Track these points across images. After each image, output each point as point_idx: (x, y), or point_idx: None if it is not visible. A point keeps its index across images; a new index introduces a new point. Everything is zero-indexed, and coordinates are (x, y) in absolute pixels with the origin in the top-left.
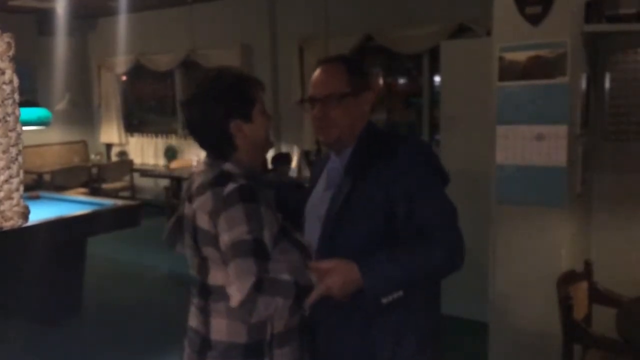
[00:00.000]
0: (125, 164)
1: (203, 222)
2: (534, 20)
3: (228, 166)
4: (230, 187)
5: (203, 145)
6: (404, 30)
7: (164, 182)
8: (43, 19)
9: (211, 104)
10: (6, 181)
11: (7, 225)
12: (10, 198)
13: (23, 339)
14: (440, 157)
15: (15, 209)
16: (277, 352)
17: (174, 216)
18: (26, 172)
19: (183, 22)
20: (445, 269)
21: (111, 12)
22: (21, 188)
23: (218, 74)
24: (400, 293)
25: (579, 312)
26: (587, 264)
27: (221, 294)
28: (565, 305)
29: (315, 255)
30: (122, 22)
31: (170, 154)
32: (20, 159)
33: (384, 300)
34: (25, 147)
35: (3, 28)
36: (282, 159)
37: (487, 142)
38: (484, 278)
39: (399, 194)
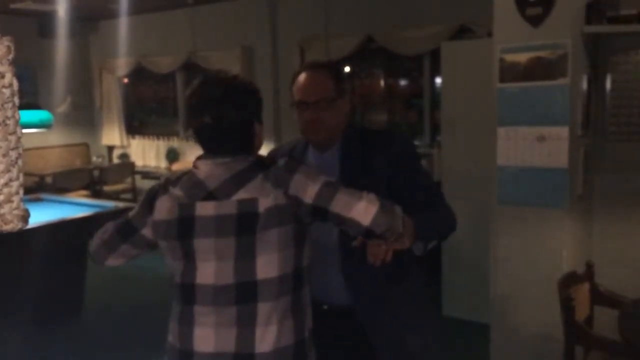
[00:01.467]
0: (126, 166)
1: (269, 203)
2: (535, 21)
3: (254, 157)
4: (282, 160)
5: (226, 145)
6: (404, 31)
7: None
8: (44, 21)
9: (244, 105)
10: (6, 184)
11: (7, 228)
12: (10, 201)
13: (24, 340)
14: (442, 158)
15: (15, 212)
16: (311, 352)
17: (107, 229)
18: (28, 174)
19: (184, 24)
20: (453, 227)
21: (112, 14)
22: (21, 191)
23: (236, 77)
24: (435, 242)
25: (581, 314)
26: (589, 265)
27: (273, 287)
28: (567, 307)
29: (339, 239)
30: (123, 25)
31: (172, 155)
32: (20, 162)
33: (429, 246)
34: (26, 149)
35: (4, 31)
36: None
37: (488, 144)
38: (485, 279)
39: (399, 176)
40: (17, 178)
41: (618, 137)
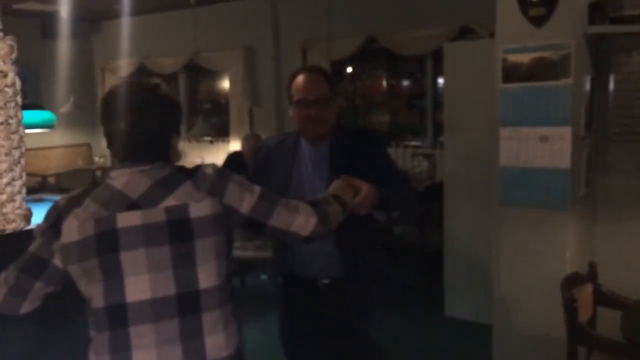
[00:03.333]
0: None
1: (202, 210)
2: (538, 21)
3: (174, 164)
4: (209, 168)
5: (139, 153)
6: (406, 32)
7: None
8: (47, 22)
9: (163, 115)
10: (9, 184)
11: (10, 227)
12: (13, 200)
13: (26, 341)
14: (444, 159)
15: (18, 211)
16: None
17: (8, 274)
18: (30, 174)
19: (186, 25)
20: (414, 208)
21: (115, 15)
22: (24, 191)
23: (159, 85)
24: (397, 213)
25: (584, 315)
26: (592, 266)
27: (216, 295)
28: (570, 308)
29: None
30: (126, 25)
31: None
32: (22, 161)
33: (393, 215)
34: (29, 149)
35: (7, 32)
36: None
37: (490, 144)
38: (487, 280)
39: (378, 162)
40: (20, 177)
41: (621, 137)
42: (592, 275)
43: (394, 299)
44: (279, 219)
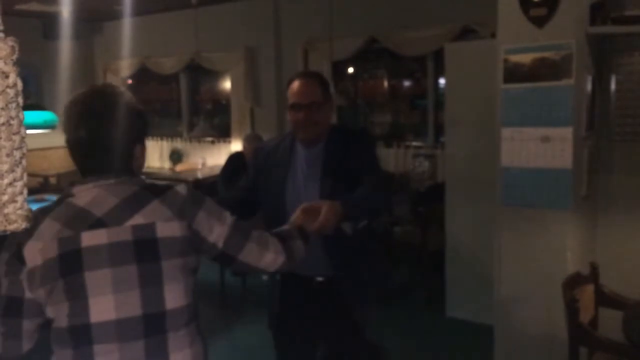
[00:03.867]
0: None
1: (169, 230)
2: (539, 22)
3: (141, 180)
4: (182, 188)
5: (101, 163)
6: (408, 32)
7: None
8: (49, 22)
9: (126, 123)
10: (10, 184)
11: (11, 228)
12: (14, 201)
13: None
14: (445, 159)
15: (20, 212)
16: None
17: None
18: (32, 175)
19: (188, 25)
20: (380, 211)
21: (117, 15)
22: (25, 191)
23: (122, 93)
24: (365, 222)
25: (585, 315)
26: (593, 267)
27: (183, 315)
28: (571, 308)
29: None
30: (128, 26)
31: (176, 157)
32: (24, 162)
33: (360, 225)
34: (30, 150)
35: (9, 32)
36: None
37: (492, 144)
38: (489, 281)
39: (364, 161)
40: (21, 178)
41: (623, 137)
42: (593, 275)
43: (389, 292)
44: (249, 255)
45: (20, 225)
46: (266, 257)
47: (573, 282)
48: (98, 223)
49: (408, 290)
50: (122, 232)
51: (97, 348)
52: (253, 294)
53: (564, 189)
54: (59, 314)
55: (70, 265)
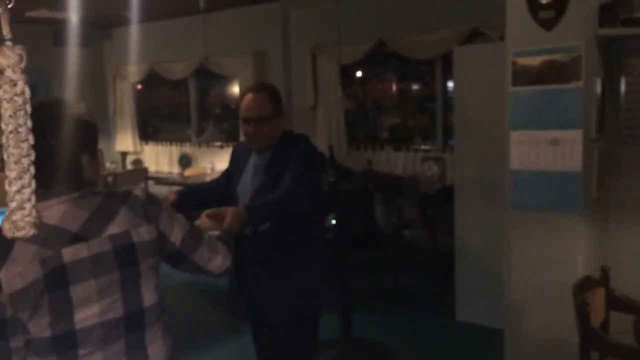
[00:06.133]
0: (140, 172)
1: (142, 235)
2: (548, 24)
3: (100, 189)
4: (139, 191)
5: (49, 175)
6: (416, 35)
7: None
8: (59, 29)
9: (68, 134)
10: (18, 191)
11: (20, 234)
12: (22, 208)
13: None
14: (454, 162)
15: (27, 219)
16: None
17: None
18: None
19: (196, 30)
20: (287, 212)
21: (125, 21)
22: (33, 198)
23: (64, 104)
24: (268, 225)
25: (596, 319)
26: (604, 270)
27: (156, 311)
28: (582, 312)
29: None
30: (137, 32)
31: (185, 161)
32: (32, 169)
33: (260, 228)
34: None
35: (19, 39)
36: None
37: (501, 147)
38: (499, 284)
39: (290, 167)
40: (29, 185)
41: (633, 140)
42: (604, 279)
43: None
44: (201, 257)
45: (28, 232)
46: (215, 260)
47: (584, 286)
48: (76, 238)
49: (417, 293)
50: (102, 243)
51: (82, 351)
52: None
53: (574, 192)
54: (41, 326)
55: (55, 281)
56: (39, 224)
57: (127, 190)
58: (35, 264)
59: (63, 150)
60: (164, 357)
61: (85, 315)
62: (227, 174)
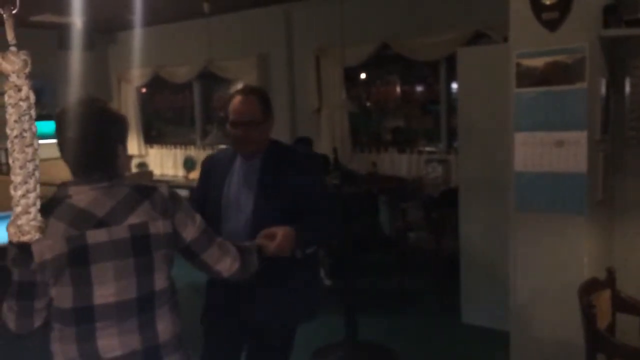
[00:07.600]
0: (145, 175)
1: (157, 228)
2: (551, 25)
3: (130, 182)
4: (165, 189)
5: (88, 162)
6: (420, 37)
7: (184, 193)
8: (63, 33)
9: (106, 125)
10: (23, 196)
11: (25, 239)
12: (28, 212)
13: (39, 349)
14: (459, 164)
15: (32, 223)
16: None
17: (10, 304)
18: (47, 184)
19: (200, 33)
20: (332, 236)
21: (130, 25)
22: (38, 203)
23: (102, 104)
24: (314, 248)
25: (602, 321)
26: (610, 272)
27: (166, 293)
28: (588, 314)
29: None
30: (141, 35)
31: (189, 164)
32: (37, 174)
33: (308, 251)
34: (45, 159)
35: (24, 44)
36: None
37: (505, 149)
38: (504, 286)
39: (301, 185)
40: (34, 189)
41: (638, 141)
42: (610, 281)
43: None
44: (211, 256)
45: (34, 236)
46: (224, 261)
47: (589, 288)
48: (100, 223)
49: (423, 296)
50: (122, 231)
51: (99, 325)
52: None
53: (579, 193)
54: (64, 296)
55: (78, 259)
56: (44, 228)
57: (153, 185)
58: (63, 241)
59: (104, 140)
60: (171, 332)
61: (103, 294)
62: (201, 192)
